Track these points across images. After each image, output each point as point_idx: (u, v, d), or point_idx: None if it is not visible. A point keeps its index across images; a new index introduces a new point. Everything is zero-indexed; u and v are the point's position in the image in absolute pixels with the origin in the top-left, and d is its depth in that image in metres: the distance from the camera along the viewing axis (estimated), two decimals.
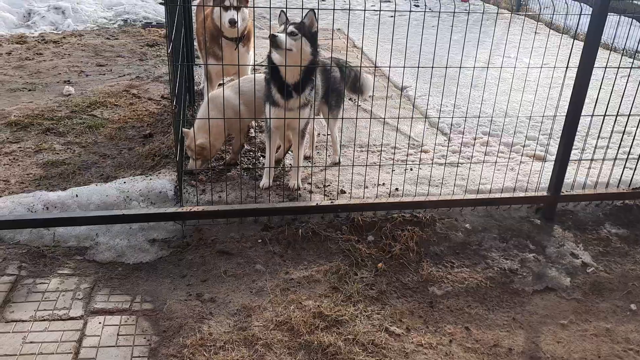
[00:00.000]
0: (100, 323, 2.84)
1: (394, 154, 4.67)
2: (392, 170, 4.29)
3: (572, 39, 3.84)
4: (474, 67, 3.73)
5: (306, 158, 4.46)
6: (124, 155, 4.54)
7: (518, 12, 12.18)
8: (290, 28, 3.54)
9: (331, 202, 3.60)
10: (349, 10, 3.34)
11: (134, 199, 3.73)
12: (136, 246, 3.45)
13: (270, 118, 3.79)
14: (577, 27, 3.76)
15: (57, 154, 4.51)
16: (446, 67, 3.47)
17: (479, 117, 4.13)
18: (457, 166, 4.24)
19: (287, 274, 3.31)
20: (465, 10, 12.27)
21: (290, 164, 4.37)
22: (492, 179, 4.16)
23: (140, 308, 2.98)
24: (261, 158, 4.53)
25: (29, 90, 5.97)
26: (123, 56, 7.36)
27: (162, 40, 8.21)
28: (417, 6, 11.90)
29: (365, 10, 3.36)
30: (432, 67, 3.48)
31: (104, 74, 6.61)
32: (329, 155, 4.62)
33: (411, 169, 4.39)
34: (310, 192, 3.97)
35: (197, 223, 3.63)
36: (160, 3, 10.39)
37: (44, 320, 2.84)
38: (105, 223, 3.40)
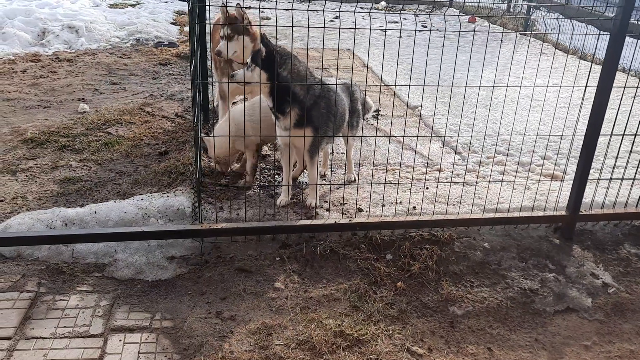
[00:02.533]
0: (120, 341, 2.82)
1: (413, 172, 4.67)
2: (410, 190, 4.29)
3: (591, 63, 3.86)
4: (493, 86, 3.74)
5: (321, 176, 4.48)
6: (140, 172, 4.55)
7: (525, 32, 12.29)
8: (248, 61, 3.67)
9: (349, 221, 3.59)
10: (370, 29, 3.37)
11: (152, 216, 3.73)
12: (155, 263, 3.44)
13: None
14: (595, 49, 3.77)
15: (74, 170, 4.53)
16: (466, 87, 3.48)
17: (497, 136, 4.13)
18: (475, 185, 4.23)
19: (307, 293, 3.29)
20: (473, 31, 12.40)
21: (306, 182, 4.38)
22: (510, 198, 4.14)
23: (161, 326, 2.96)
24: (276, 176, 4.54)
25: (44, 107, 6.03)
26: (136, 75, 7.43)
27: (174, 59, 8.30)
28: (425, 27, 12.02)
29: (386, 29, 3.38)
30: (452, 86, 3.49)
31: (118, 92, 6.67)
32: (343, 174, 4.63)
33: (427, 188, 4.39)
34: (328, 210, 3.97)
35: (215, 240, 3.63)
36: (172, 23, 10.54)
37: (65, 337, 2.82)
38: (125, 240, 3.40)
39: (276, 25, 3.38)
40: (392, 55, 8.56)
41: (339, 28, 3.31)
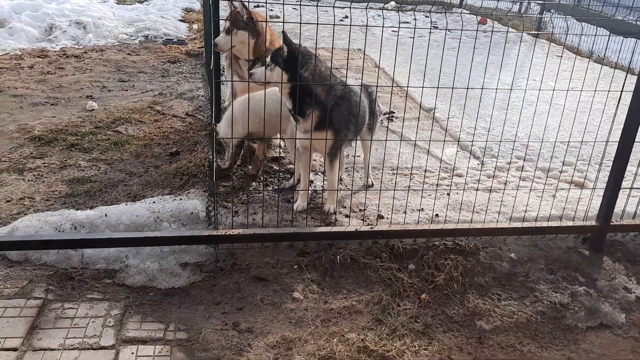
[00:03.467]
0: (133, 353, 2.67)
1: (438, 178, 4.52)
2: (434, 197, 4.13)
3: (631, 69, 3.69)
4: (526, 89, 3.58)
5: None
6: (150, 173, 4.40)
7: (537, 35, 12.11)
8: (267, 60, 3.54)
9: (371, 228, 3.43)
10: (393, 27, 3.21)
11: (164, 220, 3.58)
12: (168, 270, 3.29)
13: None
14: (635, 55, 3.60)
15: (83, 170, 4.38)
16: (497, 89, 3.32)
17: (531, 143, 3.96)
18: (503, 193, 4.02)
19: (327, 304, 3.13)
20: (484, 32, 12.22)
21: (323, 186, 4.22)
22: (537, 207, 3.97)
23: (175, 337, 2.81)
24: (290, 179, 4.37)
25: (52, 104, 5.88)
26: (145, 72, 7.28)
27: (184, 57, 8.14)
28: (436, 27, 11.85)
29: (412, 27, 3.23)
30: (482, 88, 3.33)
31: (127, 90, 6.52)
32: (360, 178, 4.48)
33: (448, 194, 4.23)
34: (347, 216, 3.81)
35: (231, 247, 3.47)
36: (181, 20, 10.39)
37: (74, 349, 2.67)
38: (137, 245, 3.25)
39: (300, 23, 3.22)
40: (403, 57, 8.40)
41: (372, 27, 3.16)
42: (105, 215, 3.53)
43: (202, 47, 8.29)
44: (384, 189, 3.84)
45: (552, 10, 13.22)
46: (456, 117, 6.17)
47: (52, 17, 8.90)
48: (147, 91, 6.49)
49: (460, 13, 3.37)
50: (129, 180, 4.27)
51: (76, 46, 8.38)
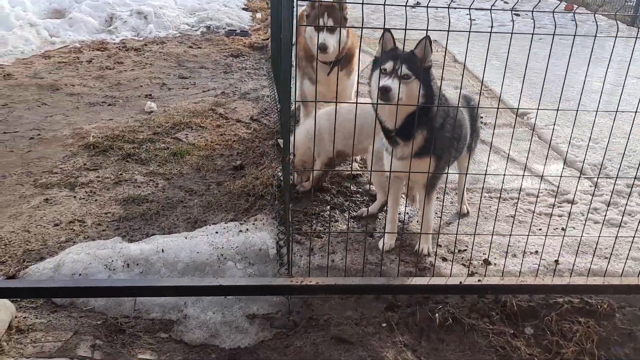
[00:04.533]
0: None
1: (552, 210, 3.79)
2: (562, 238, 3.41)
3: None
4: None
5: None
6: (212, 191, 3.90)
7: (634, 25, 10.89)
8: (404, 69, 2.65)
9: (478, 281, 2.77)
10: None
11: (229, 258, 3.05)
12: (232, 323, 2.76)
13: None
14: None
15: (139, 187, 3.93)
16: (617, 112, 2.57)
17: None
18: None
19: None
20: (572, 21, 11.08)
21: (408, 213, 3.60)
22: None
23: None
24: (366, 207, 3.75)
25: (109, 104, 5.50)
26: (207, 67, 6.82)
27: (247, 50, 7.64)
28: (518, 15, 10.82)
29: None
30: (616, 111, 2.59)
31: (187, 88, 6.07)
32: (450, 202, 3.81)
33: (563, 229, 3.50)
34: (444, 259, 3.16)
35: (306, 295, 2.91)
36: (244, 9, 9.90)
37: None
38: (198, 295, 2.74)
39: (405, 29, 2.57)
40: (484, 49, 7.57)
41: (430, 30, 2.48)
42: (162, 250, 3.04)
43: (267, 40, 7.76)
44: (497, 233, 3.14)
45: None
46: (555, 123, 5.37)
47: (113, 6, 8.59)
48: (208, 90, 6.02)
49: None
50: (188, 200, 3.78)
51: (136, 38, 8.03)
